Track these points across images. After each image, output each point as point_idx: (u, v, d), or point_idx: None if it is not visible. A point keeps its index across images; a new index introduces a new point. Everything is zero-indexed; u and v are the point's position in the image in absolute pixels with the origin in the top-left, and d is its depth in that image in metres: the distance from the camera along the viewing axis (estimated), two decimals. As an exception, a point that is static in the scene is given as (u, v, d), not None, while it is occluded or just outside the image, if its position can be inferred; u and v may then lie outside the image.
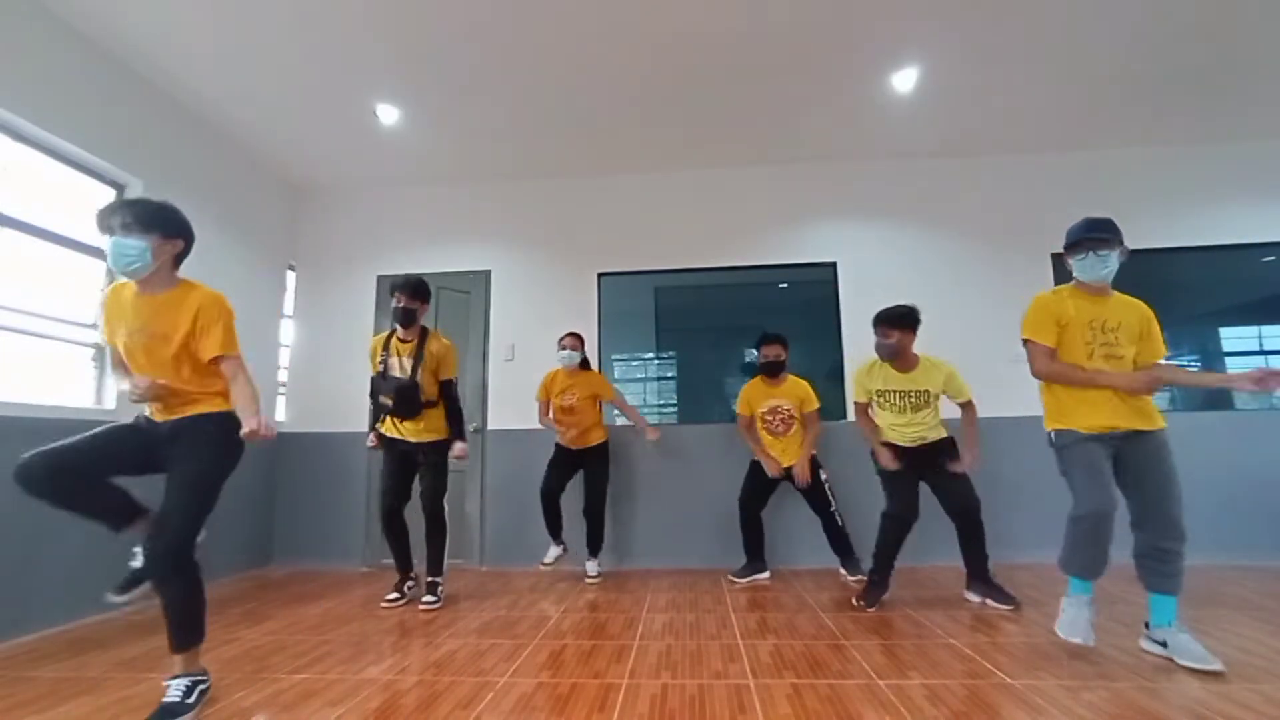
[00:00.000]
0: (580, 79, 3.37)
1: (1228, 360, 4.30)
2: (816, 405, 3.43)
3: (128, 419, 1.93)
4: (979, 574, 2.81)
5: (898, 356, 2.82)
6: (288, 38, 3.00)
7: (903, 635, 2.37)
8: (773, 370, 3.42)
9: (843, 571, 3.39)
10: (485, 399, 4.23)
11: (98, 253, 3.11)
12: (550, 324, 4.21)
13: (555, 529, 3.62)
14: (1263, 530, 3.58)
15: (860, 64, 3.29)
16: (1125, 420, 2.04)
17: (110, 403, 3.05)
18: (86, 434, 1.82)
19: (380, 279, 4.44)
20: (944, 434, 2.87)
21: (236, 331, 1.92)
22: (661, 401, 5.07)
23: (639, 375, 5.14)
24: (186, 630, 1.81)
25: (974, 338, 3.94)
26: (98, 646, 2.43)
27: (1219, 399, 4.19)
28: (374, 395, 3.02)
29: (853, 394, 2.99)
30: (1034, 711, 1.65)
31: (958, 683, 1.87)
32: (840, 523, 3.35)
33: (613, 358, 4.72)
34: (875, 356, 2.91)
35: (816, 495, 3.37)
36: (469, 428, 4.18)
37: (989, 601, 2.72)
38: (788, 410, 3.41)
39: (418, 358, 3.00)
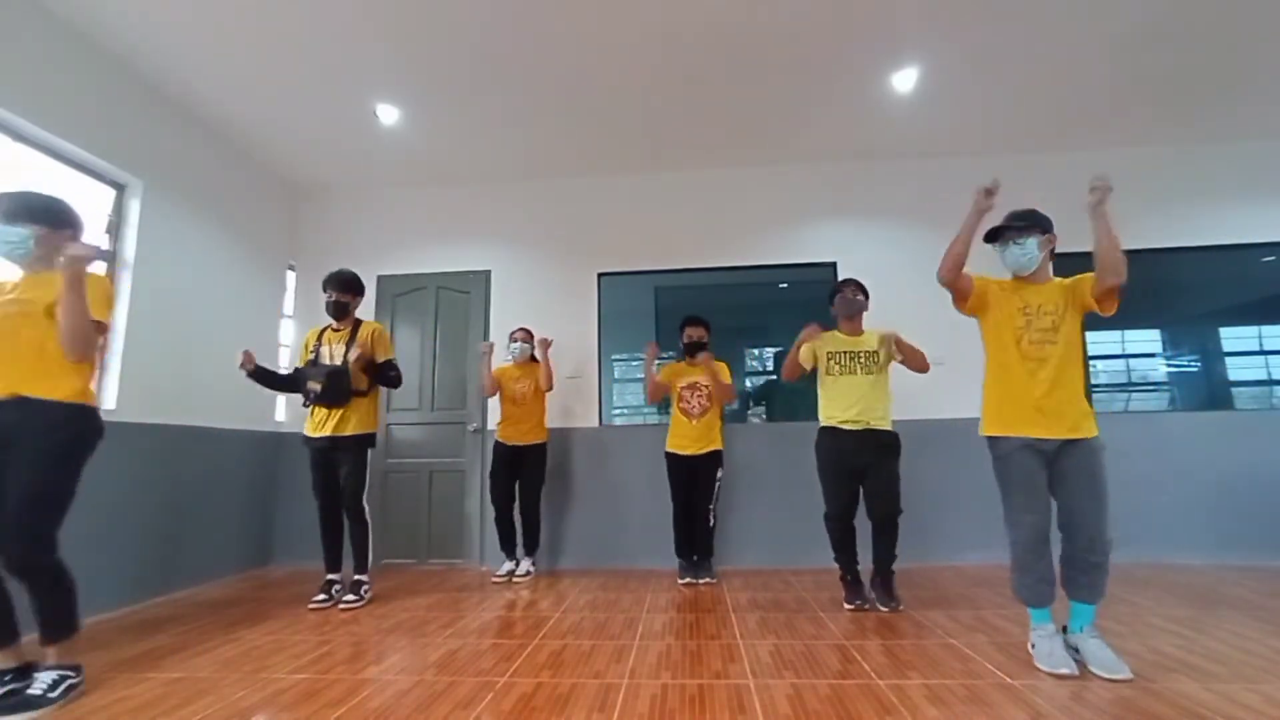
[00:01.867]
0: (580, 79, 3.37)
1: (1228, 360, 4.30)
2: (729, 379, 3.46)
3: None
4: (882, 575, 2.78)
5: (858, 316, 2.94)
6: (288, 38, 3.00)
7: (903, 635, 2.37)
8: (691, 351, 3.49)
9: (693, 576, 3.39)
10: (485, 399, 4.22)
11: (97, 252, 3.11)
12: (550, 324, 4.20)
13: (510, 544, 3.65)
14: (1263, 530, 3.58)
15: (860, 64, 3.29)
16: (1051, 432, 2.01)
17: (111, 402, 3.04)
18: None
19: (381, 279, 4.44)
20: (890, 427, 2.84)
21: (110, 305, 1.93)
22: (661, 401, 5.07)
23: (639, 375, 5.14)
24: (57, 623, 1.80)
25: (973, 337, 3.93)
26: (98, 646, 2.42)
27: (1219, 399, 4.19)
28: (302, 382, 3.03)
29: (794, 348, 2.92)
30: (1034, 711, 1.65)
31: (958, 683, 1.87)
32: (712, 523, 3.40)
33: (613, 358, 4.72)
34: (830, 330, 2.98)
35: (705, 487, 3.40)
36: (469, 428, 4.19)
37: (875, 603, 2.75)
38: (706, 389, 3.45)
39: (350, 344, 3.07)
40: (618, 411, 4.83)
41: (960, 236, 2.10)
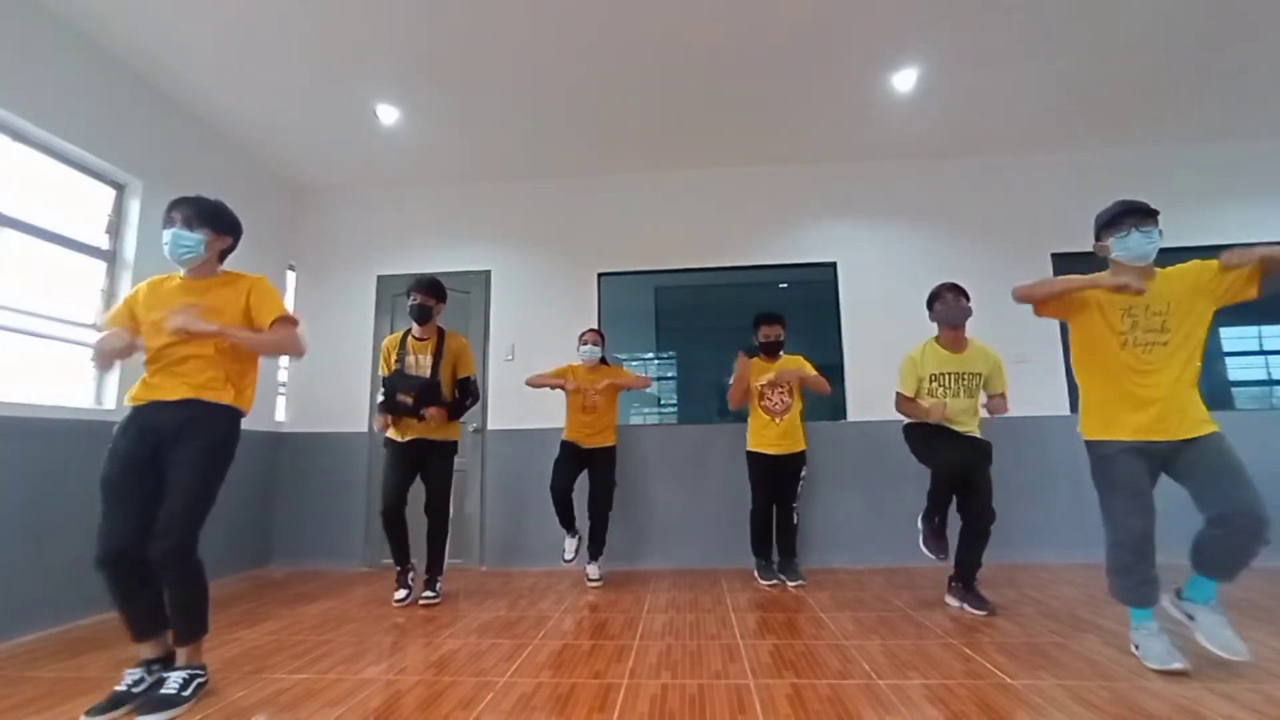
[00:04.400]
0: (580, 79, 3.37)
1: (1228, 360, 4.30)
2: (814, 371, 3.39)
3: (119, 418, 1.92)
4: (966, 579, 2.74)
5: (962, 325, 2.76)
6: (288, 38, 3.00)
7: (903, 635, 2.37)
8: (772, 351, 3.40)
9: (781, 577, 3.36)
10: (485, 399, 4.22)
11: (97, 253, 3.12)
12: (550, 324, 4.21)
13: (569, 521, 3.53)
14: (1263, 530, 3.57)
15: (860, 64, 3.29)
16: (1173, 430, 1.91)
17: (110, 402, 3.04)
18: (108, 499, 1.81)
19: (380, 279, 4.45)
20: (979, 433, 2.76)
21: (280, 297, 2.07)
22: (661, 401, 5.07)
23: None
24: (190, 623, 1.86)
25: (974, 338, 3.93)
26: (98, 646, 2.42)
27: (1219, 399, 4.19)
28: (391, 394, 2.98)
29: (899, 383, 2.80)
30: (1034, 711, 1.65)
31: (958, 683, 1.87)
32: (795, 520, 3.38)
33: (613, 357, 4.72)
34: (925, 341, 2.83)
35: (789, 487, 3.36)
36: (469, 428, 4.18)
37: (965, 607, 2.67)
38: (788, 386, 3.37)
39: (437, 355, 3.01)
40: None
41: (1071, 286, 2.01)
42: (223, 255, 2.07)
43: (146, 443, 1.84)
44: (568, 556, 3.55)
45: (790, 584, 3.28)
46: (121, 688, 1.76)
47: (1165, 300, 1.96)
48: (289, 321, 2.00)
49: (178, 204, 1.98)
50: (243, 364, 2.00)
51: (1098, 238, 2.06)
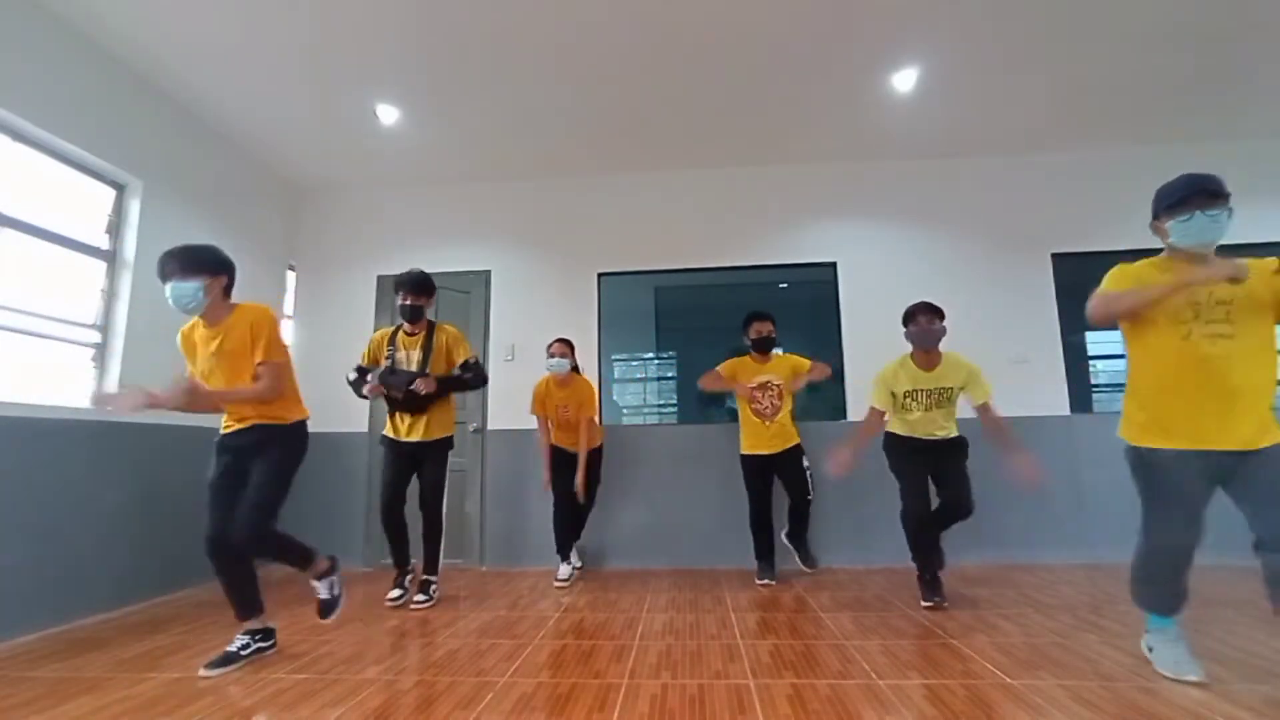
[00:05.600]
0: (580, 79, 3.37)
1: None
2: (809, 366, 3.41)
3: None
4: (929, 566, 2.84)
5: (936, 346, 2.82)
6: (288, 38, 3.00)
7: (903, 635, 2.37)
8: (763, 347, 3.40)
9: (798, 557, 3.46)
10: (485, 399, 4.22)
11: (97, 253, 3.12)
12: (550, 324, 4.20)
13: (567, 546, 3.52)
14: (1263, 530, 3.57)
15: (860, 64, 3.29)
16: (1223, 442, 1.71)
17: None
18: (212, 502, 2.16)
19: (380, 279, 4.44)
20: (956, 432, 2.87)
21: (280, 339, 2.22)
22: (661, 401, 5.07)
23: (639, 375, 5.15)
24: (245, 602, 2.22)
25: (973, 338, 3.91)
26: (98, 646, 2.43)
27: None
28: (386, 388, 2.96)
29: (871, 398, 2.88)
30: (1034, 711, 1.65)
31: (958, 683, 1.87)
32: (807, 513, 3.41)
33: (613, 358, 4.73)
34: (900, 357, 2.89)
35: (798, 483, 3.36)
36: (469, 427, 4.19)
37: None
38: (778, 387, 3.36)
39: (427, 350, 3.00)
40: (623, 411, 4.83)
41: (1147, 298, 1.75)
42: (226, 291, 2.19)
43: (235, 457, 2.19)
44: (561, 577, 3.46)
45: (809, 570, 3.35)
46: (232, 648, 2.15)
47: (1229, 289, 1.72)
48: (269, 366, 2.15)
49: (168, 258, 2.09)
50: (288, 383, 2.27)
51: (1156, 217, 1.88)
